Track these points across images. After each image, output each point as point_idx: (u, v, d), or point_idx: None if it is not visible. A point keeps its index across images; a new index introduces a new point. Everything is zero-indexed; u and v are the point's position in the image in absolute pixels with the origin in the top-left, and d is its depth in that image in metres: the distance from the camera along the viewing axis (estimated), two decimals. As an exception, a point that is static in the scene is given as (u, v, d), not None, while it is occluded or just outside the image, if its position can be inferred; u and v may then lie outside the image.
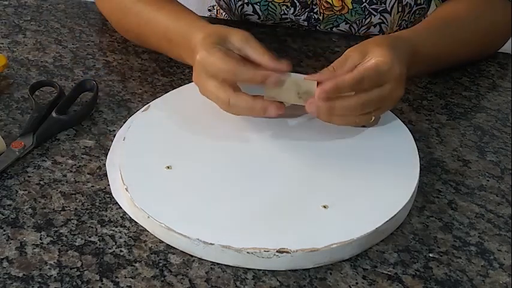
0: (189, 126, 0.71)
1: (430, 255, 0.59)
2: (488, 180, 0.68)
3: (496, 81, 0.85)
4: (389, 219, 0.59)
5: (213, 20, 1.01)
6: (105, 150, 0.70)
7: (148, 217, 0.59)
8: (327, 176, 0.64)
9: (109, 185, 0.65)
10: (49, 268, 0.56)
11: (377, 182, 0.63)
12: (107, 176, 0.66)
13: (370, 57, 0.65)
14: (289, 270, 0.57)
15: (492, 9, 0.85)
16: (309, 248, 0.56)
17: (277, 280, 0.56)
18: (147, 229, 0.60)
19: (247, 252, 0.56)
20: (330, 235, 0.57)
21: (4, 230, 0.60)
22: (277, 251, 0.56)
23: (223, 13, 1.11)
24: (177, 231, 0.58)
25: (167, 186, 0.63)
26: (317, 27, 0.95)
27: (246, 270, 0.57)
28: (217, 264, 0.57)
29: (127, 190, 0.62)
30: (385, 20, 0.92)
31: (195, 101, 0.71)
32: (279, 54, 0.88)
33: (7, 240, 0.59)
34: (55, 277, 0.56)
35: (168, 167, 0.64)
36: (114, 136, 0.71)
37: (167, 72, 0.84)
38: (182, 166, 0.65)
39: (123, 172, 0.64)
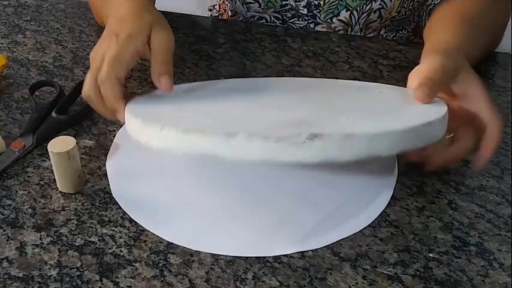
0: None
1: (430, 255, 0.59)
2: (488, 180, 0.68)
3: (496, 81, 0.85)
4: (427, 122, 0.54)
5: (214, 21, 1.01)
6: (105, 150, 0.70)
7: (162, 128, 0.54)
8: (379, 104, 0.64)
9: (109, 185, 0.65)
10: (49, 268, 0.56)
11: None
12: (107, 176, 0.66)
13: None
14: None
15: (495, 7, 0.85)
16: (344, 134, 0.50)
17: (277, 280, 0.56)
18: (158, 144, 0.55)
19: (275, 141, 0.49)
20: (368, 126, 0.53)
21: (4, 230, 0.60)
22: (310, 134, 0.49)
23: (225, 12, 1.11)
24: (195, 130, 0.52)
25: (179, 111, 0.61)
26: (317, 17, 0.95)
27: (246, 270, 0.57)
28: (217, 264, 0.57)
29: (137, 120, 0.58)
30: (384, 5, 0.92)
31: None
32: (279, 54, 0.88)
33: (7, 240, 0.59)
34: (55, 277, 0.56)
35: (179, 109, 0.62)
36: (114, 136, 0.72)
37: (167, 72, 0.84)
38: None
39: (131, 105, 0.62)
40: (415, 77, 0.62)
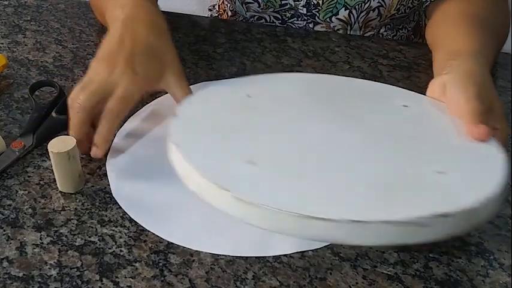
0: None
1: (430, 255, 0.59)
2: (488, 180, 0.67)
3: (496, 81, 0.85)
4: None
5: (214, 21, 1.01)
6: (105, 150, 0.70)
7: (260, 206, 0.50)
8: (429, 142, 0.60)
9: (109, 185, 0.65)
10: (49, 268, 0.56)
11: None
12: (107, 176, 0.66)
13: None
14: (289, 271, 0.57)
15: (502, 9, 0.85)
16: (468, 208, 0.49)
17: (277, 280, 0.56)
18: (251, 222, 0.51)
19: (409, 223, 0.48)
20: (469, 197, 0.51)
21: (4, 230, 0.60)
22: (437, 215, 0.48)
23: (224, 12, 1.11)
24: (311, 215, 0.48)
25: (257, 174, 0.55)
26: (316, 16, 0.95)
27: (246, 270, 0.57)
28: (217, 264, 0.57)
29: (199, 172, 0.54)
30: (383, 3, 0.92)
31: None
32: (279, 54, 0.88)
33: (7, 240, 0.59)
34: (55, 277, 0.56)
35: (249, 161, 0.55)
36: (114, 136, 0.71)
37: (167, 72, 0.84)
38: (262, 156, 0.57)
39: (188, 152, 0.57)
40: (454, 108, 0.62)
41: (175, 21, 0.94)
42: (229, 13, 1.08)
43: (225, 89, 0.69)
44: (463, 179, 0.54)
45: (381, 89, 0.72)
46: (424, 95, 0.68)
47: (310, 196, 0.52)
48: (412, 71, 0.85)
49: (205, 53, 0.88)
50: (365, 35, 0.97)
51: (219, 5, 1.15)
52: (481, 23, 0.79)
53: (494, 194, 0.52)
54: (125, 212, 0.62)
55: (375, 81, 0.82)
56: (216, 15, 1.15)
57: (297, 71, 0.84)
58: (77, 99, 0.65)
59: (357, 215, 0.48)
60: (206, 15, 1.15)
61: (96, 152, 0.66)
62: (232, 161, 0.56)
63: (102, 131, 0.65)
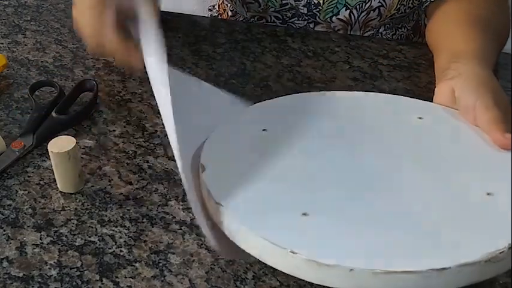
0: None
1: (430, 255, 0.59)
2: (488, 180, 0.67)
3: (496, 81, 0.84)
4: None
5: (214, 21, 1.01)
6: (105, 150, 0.70)
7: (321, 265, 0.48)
8: (463, 158, 0.59)
9: (109, 184, 0.65)
10: (49, 268, 0.56)
11: None
12: (107, 176, 0.66)
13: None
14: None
15: (503, 10, 0.85)
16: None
17: (277, 280, 0.56)
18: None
19: (486, 261, 0.48)
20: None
21: (4, 230, 0.60)
22: (508, 248, 0.48)
23: (224, 12, 1.11)
24: (400, 270, 0.47)
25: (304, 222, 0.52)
26: (317, 16, 0.95)
27: (246, 270, 0.57)
28: (217, 264, 0.57)
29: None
30: (384, 3, 0.92)
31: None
32: (279, 54, 0.88)
33: (7, 240, 0.59)
34: (55, 277, 0.56)
35: (304, 214, 0.52)
36: (114, 136, 0.72)
37: (167, 72, 0.84)
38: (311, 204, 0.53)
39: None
40: (471, 117, 0.62)
41: (175, 21, 0.95)
42: (230, 13, 1.08)
43: (241, 127, 0.65)
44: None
45: (391, 101, 0.69)
46: (427, 95, 0.68)
47: (380, 247, 0.49)
48: (412, 71, 0.85)
49: (205, 53, 0.88)
50: (364, 34, 0.97)
51: (219, 5, 1.15)
52: (482, 23, 0.78)
53: None
54: (124, 212, 0.62)
55: (374, 81, 0.82)
56: (216, 15, 1.15)
57: (297, 71, 0.84)
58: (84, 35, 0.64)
59: (438, 262, 0.47)
60: (206, 15, 1.15)
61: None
62: (286, 215, 0.52)
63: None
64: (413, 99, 0.68)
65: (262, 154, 0.59)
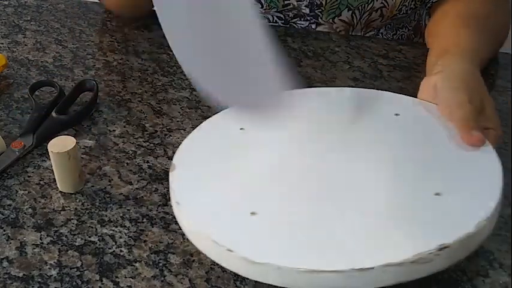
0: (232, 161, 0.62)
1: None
2: (488, 180, 0.67)
3: (496, 81, 0.84)
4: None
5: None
6: (105, 150, 0.70)
7: (280, 267, 0.50)
8: (425, 156, 0.60)
9: (109, 184, 0.65)
10: (49, 268, 0.56)
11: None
12: (107, 176, 0.66)
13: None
14: None
15: (501, 9, 0.86)
16: (465, 235, 0.50)
17: (277, 280, 0.56)
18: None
19: (411, 262, 0.49)
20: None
21: (4, 230, 0.60)
22: (438, 249, 0.50)
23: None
24: (323, 269, 0.49)
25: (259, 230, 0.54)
26: (319, 17, 0.95)
27: (246, 270, 0.57)
28: (217, 264, 0.57)
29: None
30: (386, 4, 0.92)
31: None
32: (279, 54, 0.88)
33: (7, 240, 0.59)
34: (55, 277, 0.56)
35: (253, 213, 0.55)
36: (114, 136, 0.72)
37: (167, 72, 0.84)
38: (264, 208, 0.56)
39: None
40: (447, 112, 0.62)
41: (175, 21, 0.94)
42: (230, 13, 1.08)
43: (221, 125, 0.67)
44: (461, 200, 0.54)
45: (371, 96, 0.70)
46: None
47: (311, 247, 0.52)
48: (412, 71, 0.85)
49: (205, 53, 0.88)
50: (366, 35, 0.97)
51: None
52: (478, 22, 0.79)
53: (492, 213, 0.53)
54: (124, 212, 0.62)
55: (374, 81, 0.82)
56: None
57: (297, 71, 0.84)
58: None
59: (361, 262, 0.49)
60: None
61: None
62: (236, 215, 0.55)
63: None
64: (398, 94, 0.69)
65: (233, 154, 0.62)
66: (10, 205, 0.63)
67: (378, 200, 0.55)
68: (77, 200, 0.64)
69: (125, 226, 0.61)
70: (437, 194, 0.55)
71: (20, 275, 0.56)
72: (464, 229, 0.51)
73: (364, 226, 0.53)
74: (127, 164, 0.68)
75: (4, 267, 0.56)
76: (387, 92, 0.70)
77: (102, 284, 0.55)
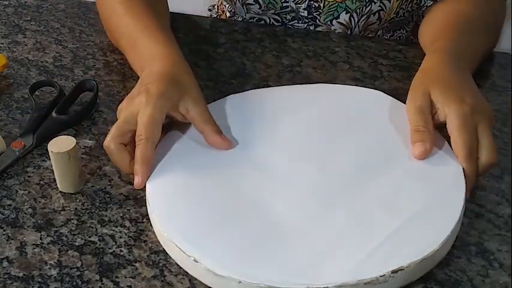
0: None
1: (430, 255, 0.59)
2: (488, 180, 0.67)
3: (496, 81, 0.85)
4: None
5: (214, 21, 1.01)
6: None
7: (240, 282, 0.53)
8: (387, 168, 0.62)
9: (109, 184, 0.65)
10: (49, 268, 0.56)
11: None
12: (107, 176, 0.66)
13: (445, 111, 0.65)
14: None
15: (492, 10, 0.86)
16: (420, 258, 0.54)
17: (277, 280, 0.56)
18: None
19: (365, 284, 0.52)
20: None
21: (4, 230, 0.60)
22: (392, 272, 0.52)
23: (223, 13, 1.11)
24: (282, 286, 0.52)
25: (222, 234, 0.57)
26: (317, 19, 0.95)
27: (246, 270, 0.57)
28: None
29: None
30: (384, 7, 0.92)
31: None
32: (279, 54, 0.88)
33: (7, 240, 0.59)
34: (55, 277, 0.56)
35: (223, 223, 0.57)
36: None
37: (167, 72, 0.84)
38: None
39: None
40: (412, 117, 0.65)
41: (176, 21, 0.94)
42: (228, 14, 1.08)
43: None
44: (418, 221, 0.57)
45: (338, 93, 0.74)
46: None
47: (273, 263, 0.54)
48: (412, 71, 0.85)
49: (205, 53, 0.88)
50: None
51: (217, 6, 1.15)
52: (466, 22, 0.81)
53: (448, 235, 0.56)
54: (124, 212, 0.62)
55: (374, 81, 0.82)
56: (216, 16, 1.15)
57: (297, 71, 0.84)
58: (106, 142, 0.63)
59: (317, 280, 0.52)
60: (206, 15, 1.15)
61: (136, 180, 0.61)
62: (206, 225, 0.57)
63: (136, 157, 0.62)
64: (376, 91, 0.73)
65: (203, 159, 0.64)
66: (10, 205, 0.63)
67: (339, 219, 0.57)
68: (77, 200, 0.64)
69: (125, 226, 0.61)
70: (394, 217, 0.57)
71: (20, 275, 0.56)
72: (420, 253, 0.54)
73: (325, 244, 0.55)
74: (127, 164, 0.68)
75: (4, 267, 0.56)
76: (363, 88, 0.74)
77: (102, 284, 0.55)
